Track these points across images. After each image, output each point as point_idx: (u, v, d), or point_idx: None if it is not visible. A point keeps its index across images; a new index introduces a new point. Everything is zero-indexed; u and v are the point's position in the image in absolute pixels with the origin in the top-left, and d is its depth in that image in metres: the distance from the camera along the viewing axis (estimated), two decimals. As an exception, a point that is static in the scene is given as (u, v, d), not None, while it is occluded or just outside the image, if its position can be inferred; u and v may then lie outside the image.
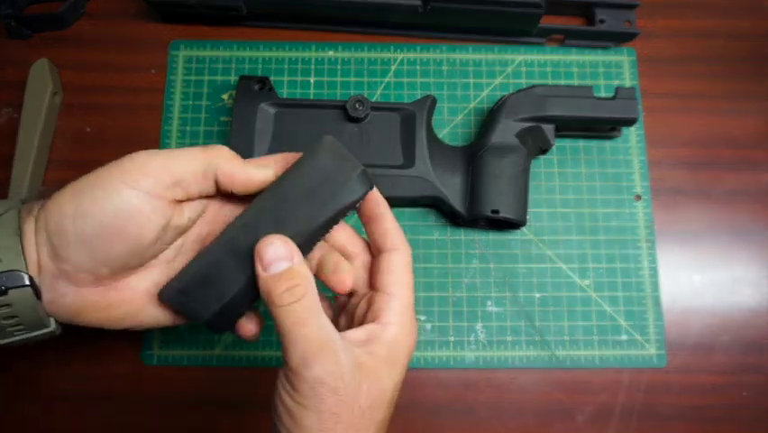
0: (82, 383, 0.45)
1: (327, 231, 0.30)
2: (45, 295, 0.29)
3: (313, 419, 0.25)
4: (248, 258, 0.28)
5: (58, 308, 0.29)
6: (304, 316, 0.26)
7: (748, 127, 0.51)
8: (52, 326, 0.30)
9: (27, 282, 0.28)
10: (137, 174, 0.28)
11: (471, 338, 0.46)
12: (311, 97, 0.51)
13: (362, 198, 0.30)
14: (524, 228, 0.48)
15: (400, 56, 0.52)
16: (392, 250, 0.31)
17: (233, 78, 0.51)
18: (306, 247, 0.30)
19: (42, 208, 0.29)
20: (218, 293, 0.29)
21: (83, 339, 0.46)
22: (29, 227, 0.28)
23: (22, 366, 0.46)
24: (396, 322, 0.29)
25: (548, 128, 0.46)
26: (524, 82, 0.52)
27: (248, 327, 0.32)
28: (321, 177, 0.29)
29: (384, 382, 0.28)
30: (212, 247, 0.30)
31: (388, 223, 0.32)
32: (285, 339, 0.26)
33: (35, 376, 0.45)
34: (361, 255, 0.33)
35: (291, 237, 0.28)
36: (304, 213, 0.29)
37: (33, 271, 0.28)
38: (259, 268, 0.28)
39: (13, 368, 0.46)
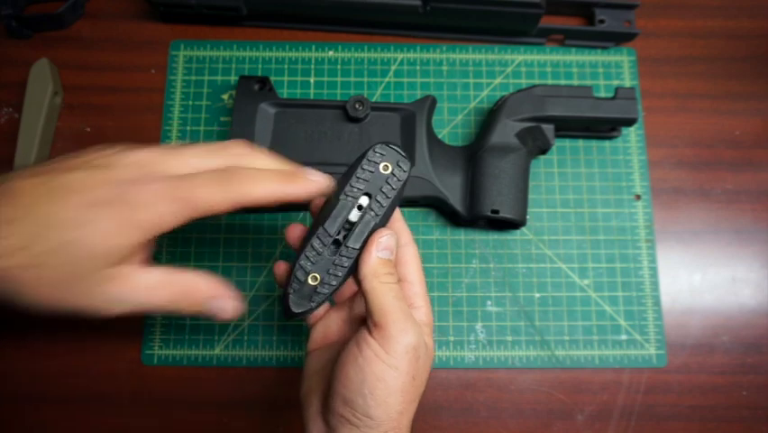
0: (82, 384, 0.45)
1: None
2: None
3: (399, 380, 0.29)
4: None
5: None
6: (399, 294, 0.31)
7: (748, 127, 0.51)
8: None
9: None
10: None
11: (471, 338, 0.46)
12: (311, 97, 0.51)
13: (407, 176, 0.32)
14: (524, 228, 0.48)
15: (400, 56, 0.52)
16: (404, 245, 0.34)
17: (233, 78, 0.51)
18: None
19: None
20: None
21: (83, 339, 0.46)
22: None
23: (23, 366, 0.46)
24: (424, 304, 0.33)
25: (548, 128, 0.46)
26: (524, 82, 0.52)
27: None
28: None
29: (432, 361, 0.32)
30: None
31: (400, 223, 0.35)
32: (384, 309, 0.30)
33: (35, 376, 0.45)
34: None
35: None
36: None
37: None
38: (374, 250, 0.31)
39: (14, 368, 0.46)
